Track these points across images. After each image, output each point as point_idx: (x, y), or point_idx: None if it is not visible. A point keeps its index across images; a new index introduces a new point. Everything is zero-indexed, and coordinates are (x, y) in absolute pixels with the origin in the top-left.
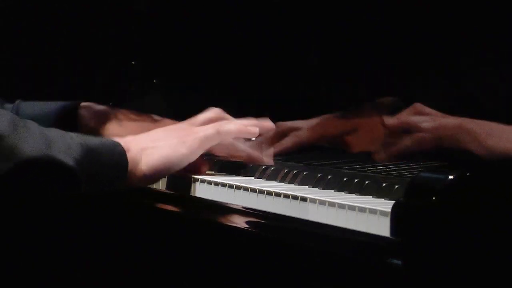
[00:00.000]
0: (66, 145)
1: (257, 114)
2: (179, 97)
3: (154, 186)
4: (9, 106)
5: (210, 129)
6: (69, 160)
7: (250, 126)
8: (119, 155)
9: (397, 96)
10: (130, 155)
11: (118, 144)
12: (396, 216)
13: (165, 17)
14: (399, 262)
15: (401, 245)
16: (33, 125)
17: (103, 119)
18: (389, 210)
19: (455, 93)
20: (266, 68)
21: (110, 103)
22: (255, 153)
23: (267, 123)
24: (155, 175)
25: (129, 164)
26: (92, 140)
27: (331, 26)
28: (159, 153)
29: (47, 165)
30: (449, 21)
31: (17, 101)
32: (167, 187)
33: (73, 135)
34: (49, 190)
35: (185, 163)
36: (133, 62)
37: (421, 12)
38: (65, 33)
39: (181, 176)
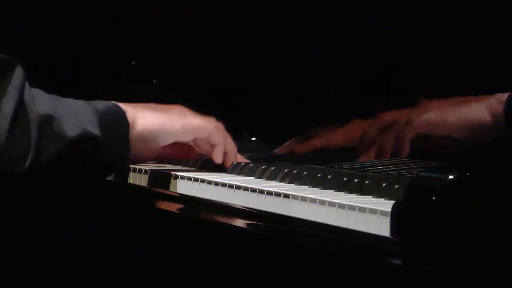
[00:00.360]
0: (90, 116)
1: (256, 114)
2: (179, 97)
3: (153, 186)
4: None
5: (206, 124)
6: (97, 131)
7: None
8: (121, 116)
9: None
10: (128, 114)
11: (118, 108)
12: (396, 216)
13: (165, 17)
14: (399, 262)
15: (401, 245)
16: (65, 100)
17: None
18: (389, 210)
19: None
20: (266, 68)
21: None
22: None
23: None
24: (146, 137)
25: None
26: (97, 105)
27: (330, 26)
28: (154, 118)
29: (85, 140)
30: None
31: None
32: (166, 187)
33: (83, 102)
34: (88, 163)
35: (175, 137)
36: (133, 62)
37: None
38: (65, 33)
39: (181, 176)
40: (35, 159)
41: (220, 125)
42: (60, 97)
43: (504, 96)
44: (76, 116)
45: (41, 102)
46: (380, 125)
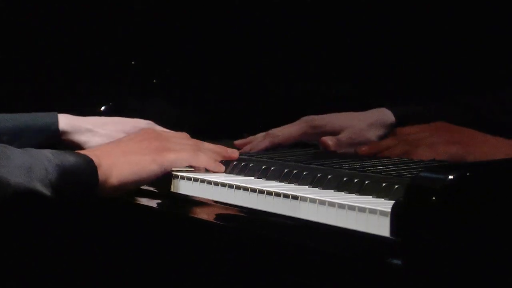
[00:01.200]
0: (44, 172)
1: (256, 114)
2: (179, 97)
3: (151, 186)
4: None
5: (184, 153)
6: (47, 191)
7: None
8: (91, 173)
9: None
10: (101, 170)
11: (91, 161)
12: (396, 216)
13: (165, 17)
14: (399, 262)
15: (401, 245)
16: (13, 152)
17: (82, 130)
18: (389, 210)
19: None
20: (266, 68)
21: (110, 103)
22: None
23: (233, 151)
24: (124, 188)
25: (100, 177)
26: (67, 158)
27: (330, 26)
28: (130, 169)
29: (29, 196)
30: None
31: None
32: (167, 186)
33: (49, 155)
34: (28, 214)
35: (153, 179)
36: (133, 62)
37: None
38: (65, 33)
39: (181, 176)
40: None
41: (194, 146)
42: (9, 149)
43: None
44: (23, 173)
45: None
46: (399, 140)
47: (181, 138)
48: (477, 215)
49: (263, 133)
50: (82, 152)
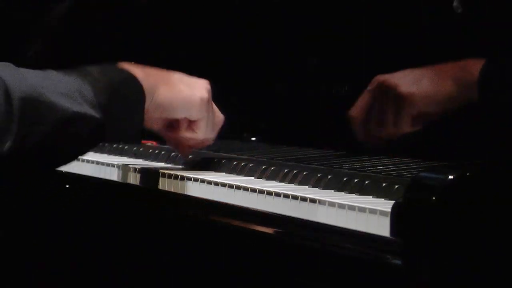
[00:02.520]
0: (91, 94)
1: (256, 114)
2: None
3: (153, 185)
4: None
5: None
6: (96, 113)
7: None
8: (136, 89)
9: None
10: (148, 82)
11: (135, 79)
12: (395, 216)
13: (165, 17)
14: (399, 262)
15: (401, 245)
16: (58, 78)
17: None
18: (389, 210)
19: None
20: (266, 68)
21: None
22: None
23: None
24: (166, 108)
25: (146, 89)
26: (114, 78)
27: (330, 26)
28: (176, 92)
29: (79, 119)
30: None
31: None
32: (167, 186)
33: (97, 75)
34: (82, 142)
35: (192, 111)
36: (133, 62)
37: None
38: (65, 33)
39: (181, 176)
40: (15, 143)
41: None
42: (56, 74)
43: (471, 64)
44: (70, 97)
45: (28, 81)
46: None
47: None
48: (477, 215)
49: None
50: (131, 65)
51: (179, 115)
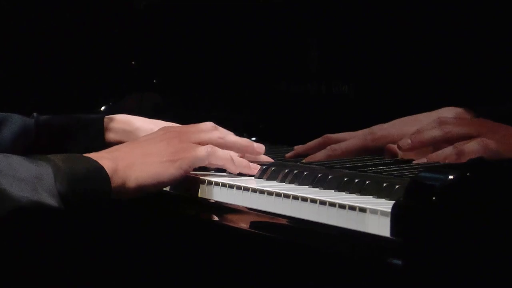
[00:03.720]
0: (52, 182)
1: (256, 114)
2: (179, 97)
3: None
4: (29, 121)
5: (202, 151)
6: (54, 201)
7: (239, 146)
8: (103, 182)
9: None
10: (118, 173)
11: (102, 170)
12: (396, 216)
13: (165, 17)
14: (399, 262)
15: (401, 245)
16: (18, 163)
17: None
18: (389, 210)
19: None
20: (266, 68)
21: (110, 103)
22: (248, 167)
23: (260, 146)
24: (142, 191)
25: (117, 181)
26: (77, 166)
27: (330, 26)
28: (149, 171)
29: (35, 209)
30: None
31: (35, 115)
32: (168, 187)
33: (59, 162)
34: (39, 229)
35: (173, 182)
36: (133, 62)
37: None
38: (65, 33)
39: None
40: None
41: (216, 149)
42: (16, 159)
43: None
44: (27, 183)
45: None
46: (444, 135)
47: (204, 130)
48: (477, 215)
49: (319, 140)
50: (98, 153)
51: (168, 184)
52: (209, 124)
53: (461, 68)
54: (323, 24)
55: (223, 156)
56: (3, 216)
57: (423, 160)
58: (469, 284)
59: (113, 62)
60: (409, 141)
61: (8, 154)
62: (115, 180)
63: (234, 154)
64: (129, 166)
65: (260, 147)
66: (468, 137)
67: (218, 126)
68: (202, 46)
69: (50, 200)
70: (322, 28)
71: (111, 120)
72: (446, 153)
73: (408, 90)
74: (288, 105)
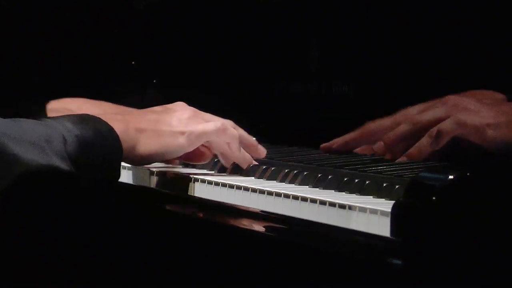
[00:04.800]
0: (61, 145)
1: (257, 114)
2: (179, 97)
3: (154, 185)
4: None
5: (211, 125)
6: (65, 165)
7: (246, 141)
8: (113, 143)
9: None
10: (128, 136)
11: (112, 131)
12: (396, 216)
13: (165, 17)
14: (399, 262)
15: (401, 245)
16: (28, 125)
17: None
18: (390, 210)
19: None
20: (266, 68)
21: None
22: (246, 160)
23: (262, 149)
24: (150, 158)
25: (126, 144)
26: (88, 127)
27: (332, 25)
28: (158, 139)
29: (45, 172)
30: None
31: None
32: (167, 186)
33: (69, 124)
34: (49, 193)
35: (181, 152)
36: (133, 62)
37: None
38: (65, 33)
39: (181, 176)
40: None
41: (227, 125)
42: (25, 122)
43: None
44: (37, 147)
45: None
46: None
47: (219, 118)
48: (477, 215)
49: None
50: (112, 115)
51: (176, 154)
52: (226, 120)
53: (461, 67)
54: (323, 24)
55: (231, 134)
56: (13, 180)
57: (403, 158)
58: (469, 284)
59: (113, 62)
60: (381, 142)
61: (18, 118)
62: (125, 143)
63: (244, 135)
64: (140, 130)
65: (263, 151)
66: (439, 121)
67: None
68: (202, 46)
69: (60, 163)
70: (322, 28)
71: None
72: (422, 143)
73: (408, 90)
74: (288, 105)
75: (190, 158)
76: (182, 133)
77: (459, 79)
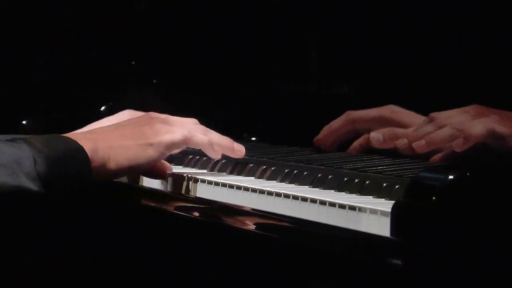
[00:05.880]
0: (31, 165)
1: (256, 114)
2: (179, 97)
3: (155, 186)
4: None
5: (178, 134)
6: (34, 185)
7: (218, 145)
8: (82, 162)
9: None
10: (98, 154)
11: (82, 150)
12: (396, 216)
13: (165, 17)
14: (399, 262)
15: (401, 245)
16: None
17: None
18: (389, 210)
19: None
20: (266, 69)
21: (110, 103)
22: (213, 149)
23: (239, 148)
24: (121, 173)
25: (96, 162)
26: (57, 147)
27: (330, 25)
28: (127, 153)
29: (14, 193)
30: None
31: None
32: (166, 186)
33: (39, 145)
34: (18, 212)
35: (151, 164)
36: (133, 62)
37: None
38: (65, 33)
39: (181, 176)
40: None
41: (194, 132)
42: (11, 144)
43: None
44: (6, 168)
45: None
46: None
47: (186, 121)
48: (477, 215)
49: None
50: (79, 133)
51: (147, 166)
52: (192, 119)
53: (462, 67)
54: (323, 24)
55: (201, 141)
56: None
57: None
58: (469, 284)
59: (113, 62)
60: (423, 142)
61: None
62: (95, 161)
63: (215, 138)
64: (108, 147)
65: (240, 149)
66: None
67: (200, 124)
68: (202, 46)
69: (30, 184)
70: (322, 28)
71: None
72: (449, 147)
73: (408, 90)
74: (288, 105)
75: (150, 173)
76: (150, 144)
77: (459, 79)
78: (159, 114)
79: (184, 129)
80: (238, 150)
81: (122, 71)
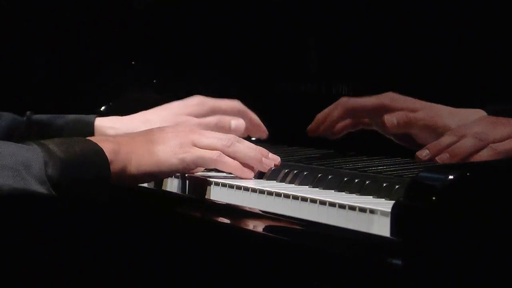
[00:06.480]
0: (41, 168)
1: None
2: (179, 97)
3: (153, 186)
4: (20, 119)
5: (209, 154)
6: (43, 189)
7: (246, 160)
8: (101, 165)
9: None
10: (119, 157)
11: (101, 152)
12: (396, 216)
13: (165, 17)
14: (399, 262)
15: (401, 245)
16: (6, 149)
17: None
18: (389, 210)
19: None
20: (266, 69)
21: (110, 103)
22: (243, 170)
23: (267, 162)
24: (143, 178)
25: (117, 165)
26: (74, 150)
27: (331, 24)
28: (151, 159)
29: (20, 196)
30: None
31: (28, 113)
32: (165, 186)
33: (52, 146)
34: (29, 215)
35: (173, 173)
36: (133, 62)
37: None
38: (65, 33)
39: (180, 176)
40: None
41: (223, 157)
42: (4, 145)
43: None
44: (13, 170)
45: None
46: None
47: (214, 136)
48: (477, 215)
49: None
50: (102, 136)
51: (168, 174)
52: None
53: (462, 67)
54: (323, 24)
55: (231, 165)
56: None
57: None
58: (469, 284)
59: (113, 62)
60: (447, 155)
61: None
62: (116, 164)
63: (241, 155)
64: (132, 151)
65: (268, 162)
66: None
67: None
68: (202, 46)
69: (39, 187)
70: (322, 28)
71: (102, 122)
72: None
73: (408, 90)
74: (288, 105)
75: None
76: (177, 154)
77: (459, 79)
78: (189, 123)
79: (215, 152)
80: (265, 163)
81: (122, 71)
